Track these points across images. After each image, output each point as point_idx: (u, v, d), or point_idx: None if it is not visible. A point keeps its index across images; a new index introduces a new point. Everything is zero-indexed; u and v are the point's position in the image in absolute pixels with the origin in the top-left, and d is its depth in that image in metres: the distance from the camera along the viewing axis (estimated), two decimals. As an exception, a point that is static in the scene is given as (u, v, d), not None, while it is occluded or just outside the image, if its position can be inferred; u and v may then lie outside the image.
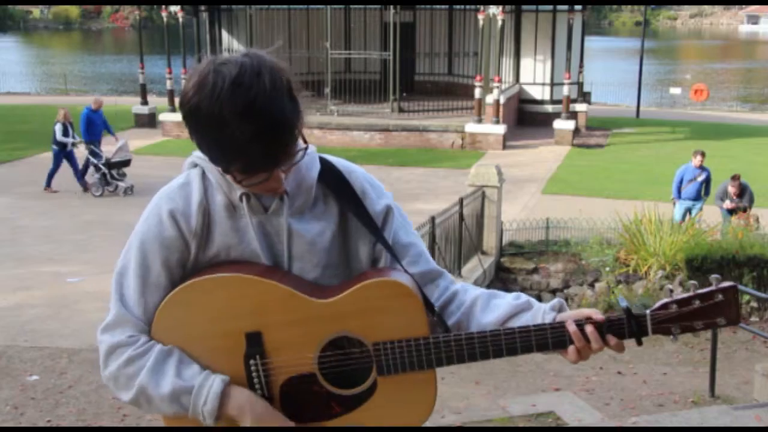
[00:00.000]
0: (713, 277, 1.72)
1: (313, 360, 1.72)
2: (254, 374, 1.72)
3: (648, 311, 1.70)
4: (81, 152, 15.21)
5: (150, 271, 1.73)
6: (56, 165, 14.96)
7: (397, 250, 1.82)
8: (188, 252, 1.75)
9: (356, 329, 1.71)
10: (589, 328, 1.69)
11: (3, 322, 8.24)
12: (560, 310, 1.76)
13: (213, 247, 1.76)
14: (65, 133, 14.78)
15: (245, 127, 1.55)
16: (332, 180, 1.82)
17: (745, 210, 12.21)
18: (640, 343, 1.71)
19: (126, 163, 15.00)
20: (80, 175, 15.09)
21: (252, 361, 1.72)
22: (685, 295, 1.69)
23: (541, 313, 1.75)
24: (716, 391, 6.45)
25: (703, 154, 12.62)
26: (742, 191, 12.39)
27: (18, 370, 6.87)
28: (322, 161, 1.84)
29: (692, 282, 1.71)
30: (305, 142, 1.68)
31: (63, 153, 14.87)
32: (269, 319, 1.70)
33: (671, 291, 1.71)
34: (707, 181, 12.49)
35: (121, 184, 14.74)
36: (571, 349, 1.70)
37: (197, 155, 1.79)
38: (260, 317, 1.70)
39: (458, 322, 1.82)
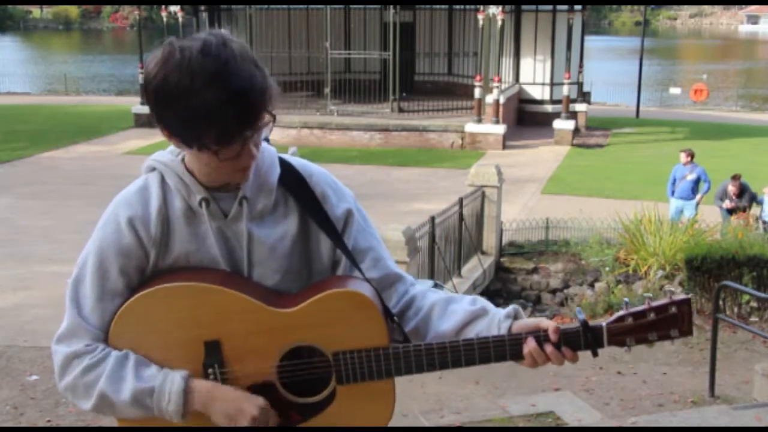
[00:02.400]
0: (667, 289, 1.77)
1: (272, 369, 1.71)
2: None
3: (604, 324, 1.73)
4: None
5: (107, 278, 1.71)
6: None
7: (356, 254, 1.80)
8: (147, 259, 1.72)
9: (316, 339, 1.71)
10: (549, 348, 1.70)
11: (3, 322, 8.24)
12: (516, 317, 1.76)
13: (172, 253, 1.73)
14: None
15: (218, 90, 1.54)
16: (292, 183, 1.79)
17: (744, 210, 12.21)
18: (595, 354, 1.73)
19: None
20: None
21: (210, 370, 1.70)
22: (641, 307, 1.72)
23: (496, 320, 1.75)
24: (716, 391, 6.44)
25: (691, 153, 12.61)
26: (742, 191, 12.39)
27: (18, 370, 6.87)
28: (282, 163, 1.81)
29: (647, 295, 1.77)
30: (273, 117, 1.66)
31: None
32: (228, 328, 1.69)
33: (626, 304, 1.74)
34: (699, 179, 12.48)
35: None
36: (528, 361, 1.72)
37: (155, 158, 1.77)
38: (219, 326, 1.68)
39: (416, 328, 1.81)
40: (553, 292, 11.44)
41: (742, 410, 5.36)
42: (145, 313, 1.70)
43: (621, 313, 1.73)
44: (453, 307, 1.80)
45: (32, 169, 17.16)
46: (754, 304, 9.15)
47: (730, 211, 12.31)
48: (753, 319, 9.12)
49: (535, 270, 11.67)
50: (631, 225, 11.26)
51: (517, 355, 1.72)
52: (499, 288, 11.52)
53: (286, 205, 1.79)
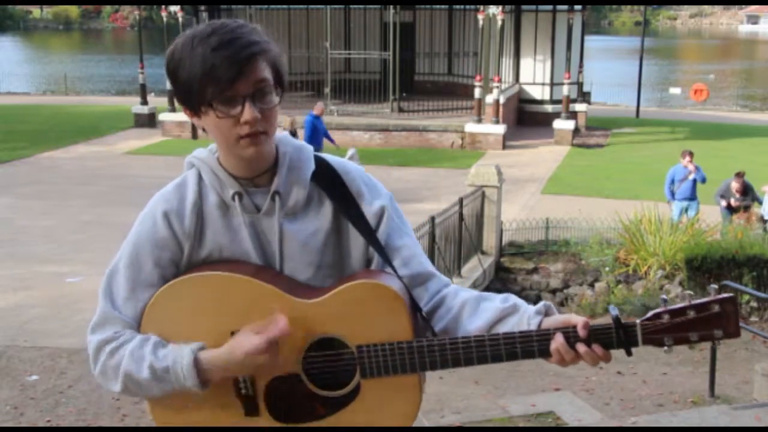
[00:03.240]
0: (711, 286, 1.66)
1: (298, 360, 1.72)
2: None
3: (638, 321, 1.64)
4: None
5: (141, 270, 1.75)
6: None
7: (389, 251, 1.80)
8: (181, 252, 1.76)
9: (341, 331, 1.70)
10: (579, 345, 1.64)
11: (3, 322, 8.24)
12: (547, 313, 1.71)
13: (206, 246, 1.76)
14: None
15: (211, 43, 1.62)
16: (327, 179, 1.81)
17: (747, 208, 12.20)
18: (629, 353, 1.66)
19: None
20: None
21: None
22: (680, 305, 1.62)
23: (526, 317, 1.71)
24: (716, 391, 6.44)
25: (691, 154, 12.61)
26: (746, 189, 12.37)
27: (18, 370, 6.87)
28: (318, 160, 1.83)
29: (688, 292, 1.66)
30: (282, 89, 1.72)
31: None
32: (254, 318, 1.69)
33: (665, 301, 1.64)
34: (700, 179, 12.48)
35: None
36: (555, 358, 1.66)
37: (194, 155, 1.82)
38: (245, 316, 1.69)
39: (446, 327, 1.79)
40: (553, 292, 11.44)
41: (742, 410, 5.36)
42: (174, 303, 1.73)
43: (657, 310, 1.63)
44: (484, 305, 1.78)
45: (32, 169, 17.15)
46: (754, 304, 9.16)
47: (732, 210, 12.30)
48: (753, 319, 9.13)
49: (535, 270, 11.66)
50: (631, 225, 11.26)
51: (545, 352, 1.66)
52: (499, 288, 11.52)
53: (320, 202, 1.81)
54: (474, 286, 10.55)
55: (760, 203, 12.34)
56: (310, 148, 1.84)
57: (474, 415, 5.42)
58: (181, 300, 1.73)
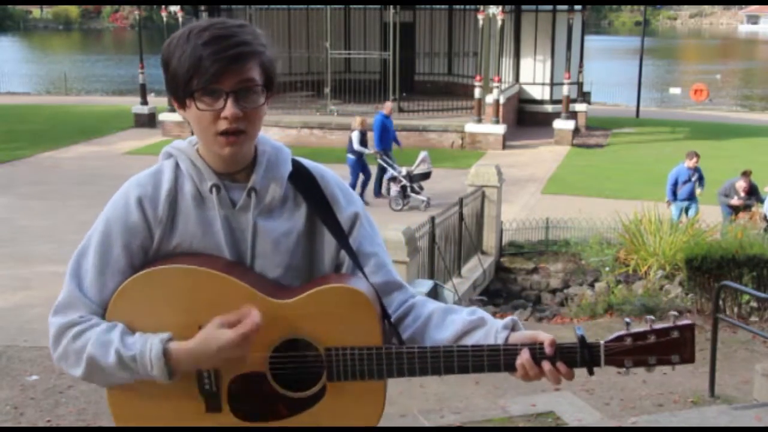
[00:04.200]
0: (671, 313, 1.72)
1: (265, 359, 1.71)
2: None
3: (602, 342, 1.68)
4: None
5: (110, 254, 1.74)
6: (356, 176, 13.96)
7: (360, 257, 1.82)
8: (151, 239, 1.75)
9: (310, 333, 1.70)
10: (544, 362, 1.67)
11: (3, 322, 8.24)
12: (513, 328, 1.74)
13: (176, 236, 1.76)
14: (362, 142, 13.85)
15: (206, 33, 1.65)
16: (303, 182, 1.83)
17: (748, 208, 12.19)
18: (591, 372, 1.69)
19: (427, 175, 14.00)
20: (377, 186, 14.19)
21: None
22: (642, 329, 1.68)
23: (493, 331, 1.73)
24: (716, 391, 6.44)
25: (697, 156, 12.60)
26: (752, 189, 12.35)
27: (18, 370, 6.86)
28: (295, 163, 1.85)
29: (650, 317, 1.71)
30: (270, 95, 1.72)
31: (361, 162, 13.96)
32: (223, 314, 1.69)
33: (628, 324, 1.69)
34: (699, 180, 12.50)
35: (420, 197, 13.69)
36: (519, 372, 1.69)
37: (172, 145, 1.83)
38: (215, 311, 1.68)
39: (413, 336, 1.80)
40: (553, 292, 11.44)
41: (742, 410, 5.36)
42: (142, 293, 1.72)
43: (620, 332, 1.69)
44: (451, 317, 1.79)
45: (32, 169, 17.15)
46: (754, 304, 9.15)
47: (735, 210, 12.28)
48: (753, 319, 9.12)
49: (535, 270, 11.67)
50: (631, 225, 11.26)
51: (511, 366, 1.70)
52: (499, 288, 11.52)
53: (295, 203, 1.82)
54: (474, 286, 10.56)
55: (762, 202, 12.33)
56: (287, 150, 1.86)
57: (474, 415, 5.42)
58: (149, 291, 1.71)
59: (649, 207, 11.42)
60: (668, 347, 1.67)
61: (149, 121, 22.59)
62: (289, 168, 1.82)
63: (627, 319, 1.74)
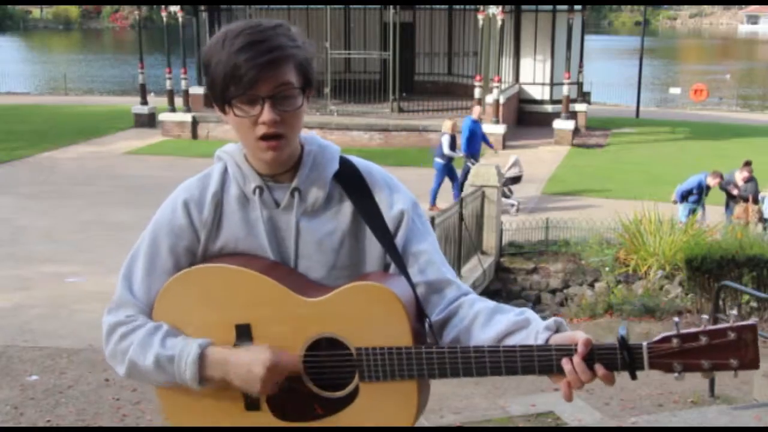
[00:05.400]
0: (732, 314, 1.55)
1: (299, 358, 1.72)
2: None
3: (645, 343, 1.56)
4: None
5: (157, 255, 1.79)
6: (440, 181, 13.71)
7: (407, 256, 1.79)
8: (197, 241, 1.79)
9: (341, 331, 1.70)
10: (576, 359, 1.56)
11: (3, 322, 8.24)
12: (557, 330, 1.64)
13: (221, 237, 1.79)
14: (452, 146, 13.61)
15: (239, 40, 1.65)
16: (349, 180, 1.81)
17: (747, 200, 12.17)
18: (634, 377, 1.58)
19: (518, 179, 13.74)
20: (459, 191, 13.55)
21: None
22: (692, 330, 1.53)
23: (534, 332, 1.66)
24: (716, 391, 6.45)
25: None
26: (751, 179, 12.34)
27: (18, 370, 6.86)
28: (343, 160, 1.84)
29: (704, 316, 1.57)
30: (308, 94, 1.72)
31: (448, 167, 13.69)
32: (258, 313, 1.72)
33: (677, 324, 1.55)
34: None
35: (510, 201, 13.37)
36: (560, 376, 1.60)
37: (224, 149, 1.85)
38: (251, 310, 1.71)
39: (458, 335, 1.76)
40: (553, 292, 11.44)
41: (742, 410, 5.36)
42: (183, 292, 1.76)
43: (667, 333, 1.53)
44: (498, 317, 1.73)
45: (32, 169, 17.14)
46: (754, 304, 9.16)
47: (732, 198, 12.24)
48: (753, 319, 9.12)
49: (535, 270, 11.66)
50: (631, 225, 11.26)
51: (545, 369, 1.60)
52: (499, 288, 11.52)
53: (340, 202, 1.81)
54: (474, 286, 10.55)
55: (757, 202, 12.32)
56: (335, 148, 1.85)
57: (474, 415, 5.42)
58: (189, 289, 1.75)
59: (649, 207, 11.42)
60: (724, 350, 1.50)
61: (149, 121, 22.57)
62: (335, 167, 1.81)
63: (676, 319, 1.61)
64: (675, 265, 10.39)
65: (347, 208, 1.80)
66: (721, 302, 8.43)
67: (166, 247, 1.78)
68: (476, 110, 14.91)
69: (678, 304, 9.76)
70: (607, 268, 11.07)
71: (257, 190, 1.77)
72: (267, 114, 1.66)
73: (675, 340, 1.53)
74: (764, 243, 9.82)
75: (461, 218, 10.43)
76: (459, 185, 13.66)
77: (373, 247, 1.80)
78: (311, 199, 1.78)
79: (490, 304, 1.78)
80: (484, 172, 11.33)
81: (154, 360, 1.71)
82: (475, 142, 14.13)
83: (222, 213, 1.79)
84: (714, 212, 12.48)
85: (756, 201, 12.31)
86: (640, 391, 6.67)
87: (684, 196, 12.51)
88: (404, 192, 1.85)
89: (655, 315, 9.49)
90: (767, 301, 8.79)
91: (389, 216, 1.80)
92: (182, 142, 20.19)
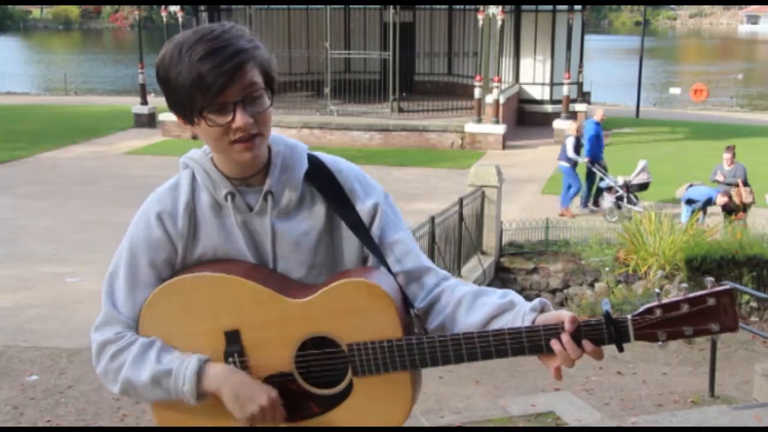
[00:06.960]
0: (708, 279, 1.61)
1: (290, 359, 1.73)
2: None
3: (629, 316, 1.60)
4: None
5: (138, 271, 1.78)
6: (577, 184, 13.44)
7: (383, 247, 1.80)
8: (175, 252, 1.79)
9: (330, 329, 1.71)
10: (565, 337, 1.60)
11: (3, 322, 8.24)
12: (542, 310, 1.68)
13: (199, 246, 1.79)
14: (577, 149, 13.38)
15: (199, 48, 1.62)
16: (320, 178, 1.82)
17: (737, 185, 12.16)
18: (621, 349, 1.61)
19: (646, 186, 13.32)
20: (587, 196, 13.65)
21: (231, 359, 1.74)
22: (673, 299, 1.58)
23: (521, 314, 1.68)
24: (716, 391, 6.45)
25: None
26: (733, 162, 12.38)
27: (18, 370, 6.86)
28: (312, 159, 1.84)
29: (684, 285, 1.62)
30: (273, 90, 1.72)
31: (574, 170, 13.40)
32: (246, 318, 1.72)
33: (658, 295, 1.60)
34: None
35: (636, 208, 12.80)
36: (548, 356, 1.63)
37: (188, 155, 1.84)
38: (238, 316, 1.72)
39: (443, 321, 1.78)
40: (553, 292, 11.44)
41: (742, 410, 5.36)
42: (168, 304, 1.76)
43: (649, 304, 1.59)
44: (481, 300, 1.76)
45: (32, 169, 17.14)
46: (754, 304, 9.16)
47: (729, 212, 12.25)
48: (753, 319, 9.13)
49: (535, 270, 11.66)
50: (631, 225, 11.26)
51: (535, 349, 1.63)
52: (498, 288, 11.52)
53: (312, 201, 1.82)
54: (474, 286, 10.54)
55: (747, 184, 12.27)
56: (303, 146, 1.85)
57: (474, 415, 5.41)
58: (174, 300, 1.75)
59: (649, 207, 11.41)
60: (705, 316, 1.56)
61: (149, 121, 22.57)
62: (304, 166, 1.82)
63: (656, 290, 1.66)
64: (675, 265, 10.40)
65: (320, 206, 1.81)
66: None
67: (146, 262, 1.78)
68: (599, 113, 14.29)
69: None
70: (607, 268, 11.08)
71: (229, 196, 1.77)
72: (240, 119, 1.65)
73: (658, 311, 1.58)
74: (764, 243, 9.83)
75: (461, 218, 10.43)
76: (587, 191, 13.48)
77: (349, 243, 1.82)
78: (284, 201, 1.78)
79: (473, 287, 1.80)
80: (484, 172, 11.33)
81: (151, 376, 1.72)
82: (599, 144, 13.74)
83: (197, 222, 1.79)
84: (714, 212, 12.47)
85: (746, 183, 12.27)
86: (640, 391, 6.68)
87: (689, 201, 12.53)
88: (374, 184, 1.87)
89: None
90: (767, 301, 8.79)
91: (363, 209, 1.81)
92: (182, 142, 20.16)
